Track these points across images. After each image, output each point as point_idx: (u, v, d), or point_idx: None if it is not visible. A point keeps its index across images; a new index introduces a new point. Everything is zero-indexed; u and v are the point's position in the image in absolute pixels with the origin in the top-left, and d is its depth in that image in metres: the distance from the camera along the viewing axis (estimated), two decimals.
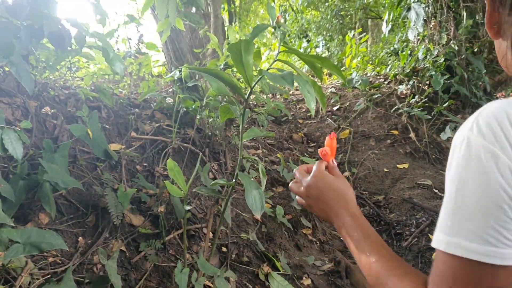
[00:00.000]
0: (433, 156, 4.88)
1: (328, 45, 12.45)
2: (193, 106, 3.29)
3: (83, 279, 2.01)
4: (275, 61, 1.92)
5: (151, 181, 2.87)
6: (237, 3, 11.36)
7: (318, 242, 3.27)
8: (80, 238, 2.23)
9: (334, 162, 1.10)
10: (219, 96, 3.34)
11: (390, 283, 0.79)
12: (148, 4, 3.04)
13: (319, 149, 1.11)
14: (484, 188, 0.63)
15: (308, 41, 12.98)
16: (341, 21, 12.61)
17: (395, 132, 5.30)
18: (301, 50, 10.94)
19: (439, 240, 0.68)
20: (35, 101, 2.72)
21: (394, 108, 5.71)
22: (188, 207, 2.13)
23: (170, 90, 3.90)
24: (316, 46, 12.04)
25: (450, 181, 0.68)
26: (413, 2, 6.38)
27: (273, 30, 1.95)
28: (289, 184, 1.13)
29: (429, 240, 3.14)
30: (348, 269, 2.96)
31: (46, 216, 2.20)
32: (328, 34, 12.79)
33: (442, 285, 0.67)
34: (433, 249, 3.01)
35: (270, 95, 5.15)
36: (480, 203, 0.63)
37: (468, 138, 0.65)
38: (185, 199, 2.10)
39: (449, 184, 0.68)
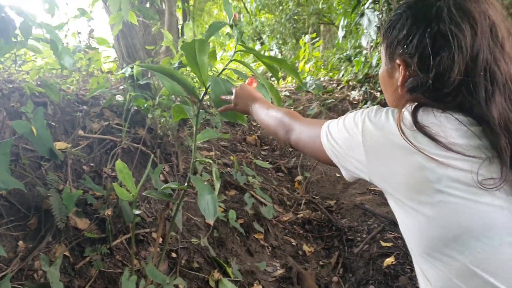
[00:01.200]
0: None
1: (281, 49, 12.51)
2: (145, 105, 3.18)
3: (22, 287, 1.88)
4: (231, 60, 1.86)
5: (98, 183, 2.74)
6: (191, 2, 11.21)
7: (270, 247, 3.23)
8: (21, 242, 2.10)
9: (254, 84, 1.74)
10: (173, 95, 3.24)
11: (295, 124, 1.27)
12: None
13: (249, 78, 1.76)
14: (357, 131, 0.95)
15: (261, 43, 13.00)
16: (294, 25, 12.69)
17: None
18: None
19: (324, 130, 1.08)
20: None
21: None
22: (137, 211, 2.03)
23: (121, 87, 3.76)
24: (270, 49, 12.08)
25: (349, 115, 1.01)
26: (367, 8, 6.46)
27: (230, 28, 1.90)
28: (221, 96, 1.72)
29: (381, 247, 3.15)
30: (300, 275, 2.92)
31: None
32: (281, 38, 12.85)
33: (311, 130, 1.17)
34: (384, 256, 3.03)
35: None
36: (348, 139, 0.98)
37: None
38: (135, 203, 2.00)
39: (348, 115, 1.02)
